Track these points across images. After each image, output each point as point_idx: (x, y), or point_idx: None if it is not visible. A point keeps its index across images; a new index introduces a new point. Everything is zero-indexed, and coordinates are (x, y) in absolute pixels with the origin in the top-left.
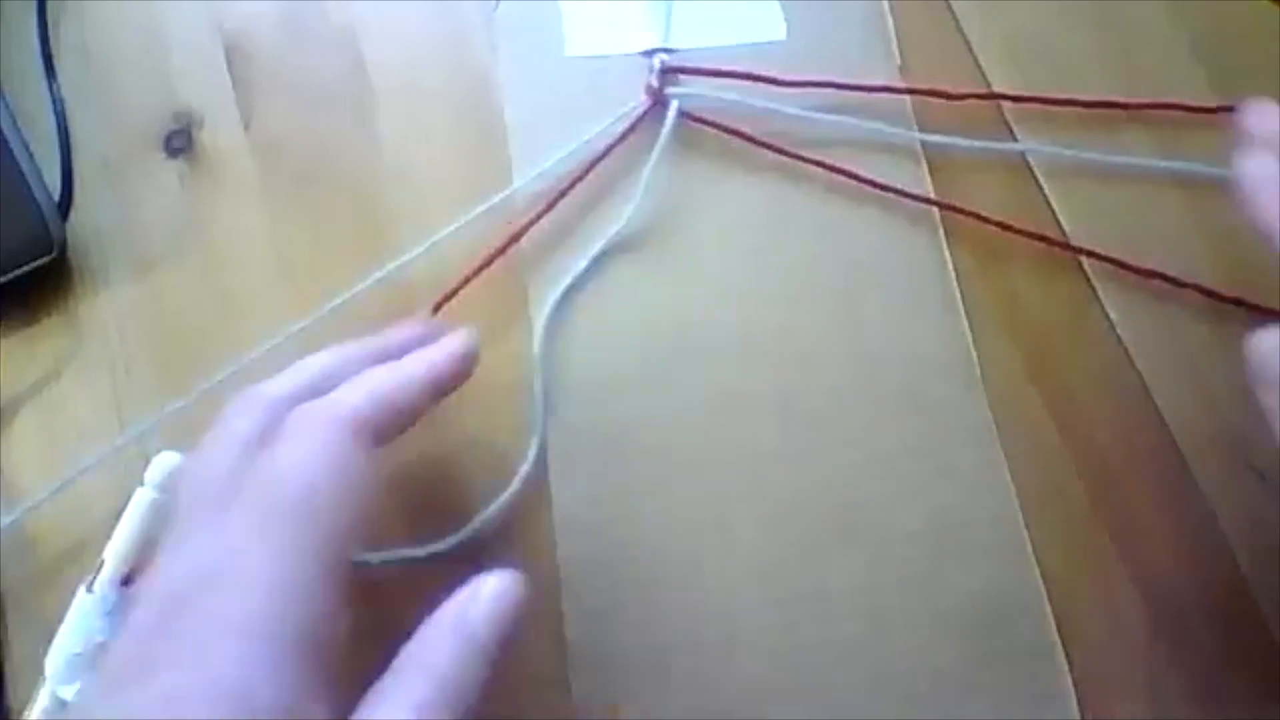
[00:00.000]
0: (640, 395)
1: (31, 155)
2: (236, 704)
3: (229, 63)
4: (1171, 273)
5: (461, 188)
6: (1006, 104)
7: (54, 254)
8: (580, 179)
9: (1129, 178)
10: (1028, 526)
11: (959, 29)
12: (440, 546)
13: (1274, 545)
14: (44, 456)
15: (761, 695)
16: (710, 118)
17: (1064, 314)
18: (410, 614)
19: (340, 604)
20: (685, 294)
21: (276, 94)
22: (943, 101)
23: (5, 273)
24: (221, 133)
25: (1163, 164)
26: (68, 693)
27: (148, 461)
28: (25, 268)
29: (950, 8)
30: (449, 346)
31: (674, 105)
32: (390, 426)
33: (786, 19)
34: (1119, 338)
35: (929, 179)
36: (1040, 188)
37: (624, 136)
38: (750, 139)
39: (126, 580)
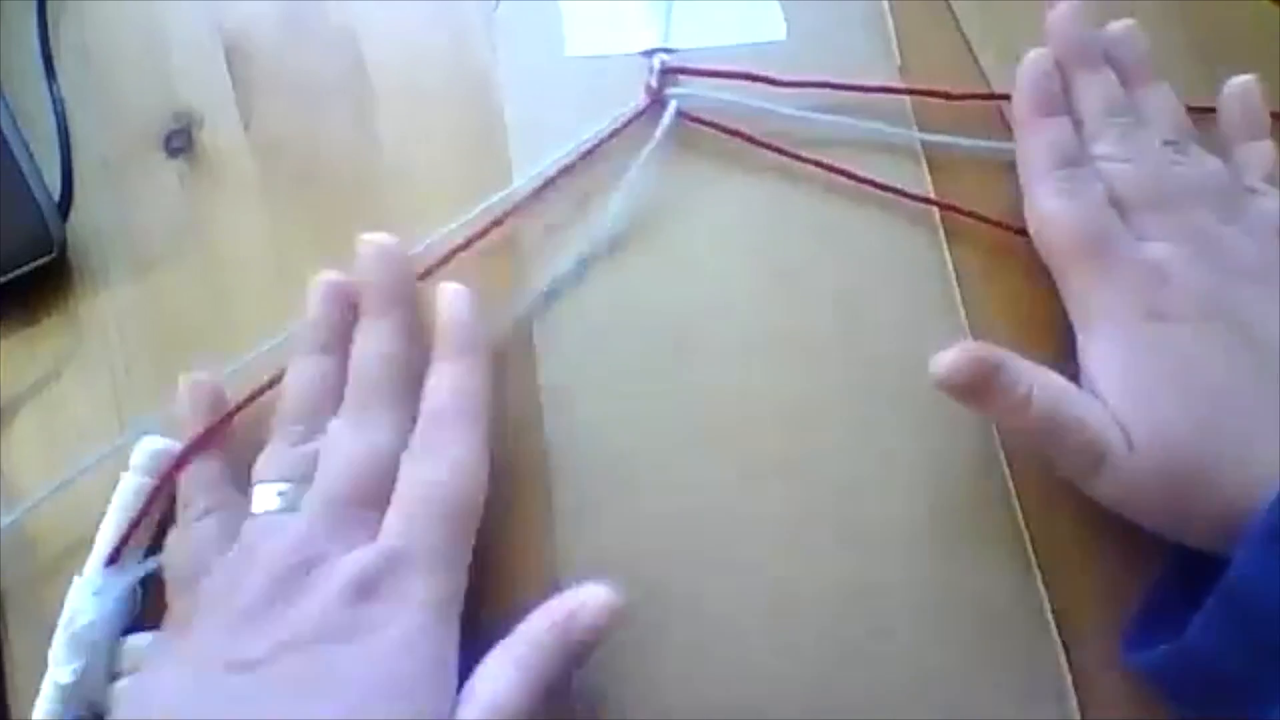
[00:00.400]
0: (639, 395)
1: (31, 155)
2: None
3: (229, 63)
4: None
5: (461, 188)
6: (1006, 103)
7: (54, 254)
8: (569, 169)
9: None
10: (1028, 527)
11: (959, 29)
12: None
13: None
14: (44, 456)
15: (761, 695)
16: (709, 118)
17: (1064, 314)
18: None
19: None
20: (684, 294)
21: (276, 94)
22: (943, 101)
23: (5, 273)
24: (221, 133)
25: None
26: (63, 675)
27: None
28: (25, 268)
29: (950, 8)
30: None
31: (672, 105)
32: None
33: (786, 19)
34: None
35: (929, 179)
36: None
37: (616, 133)
38: (749, 139)
39: (111, 560)
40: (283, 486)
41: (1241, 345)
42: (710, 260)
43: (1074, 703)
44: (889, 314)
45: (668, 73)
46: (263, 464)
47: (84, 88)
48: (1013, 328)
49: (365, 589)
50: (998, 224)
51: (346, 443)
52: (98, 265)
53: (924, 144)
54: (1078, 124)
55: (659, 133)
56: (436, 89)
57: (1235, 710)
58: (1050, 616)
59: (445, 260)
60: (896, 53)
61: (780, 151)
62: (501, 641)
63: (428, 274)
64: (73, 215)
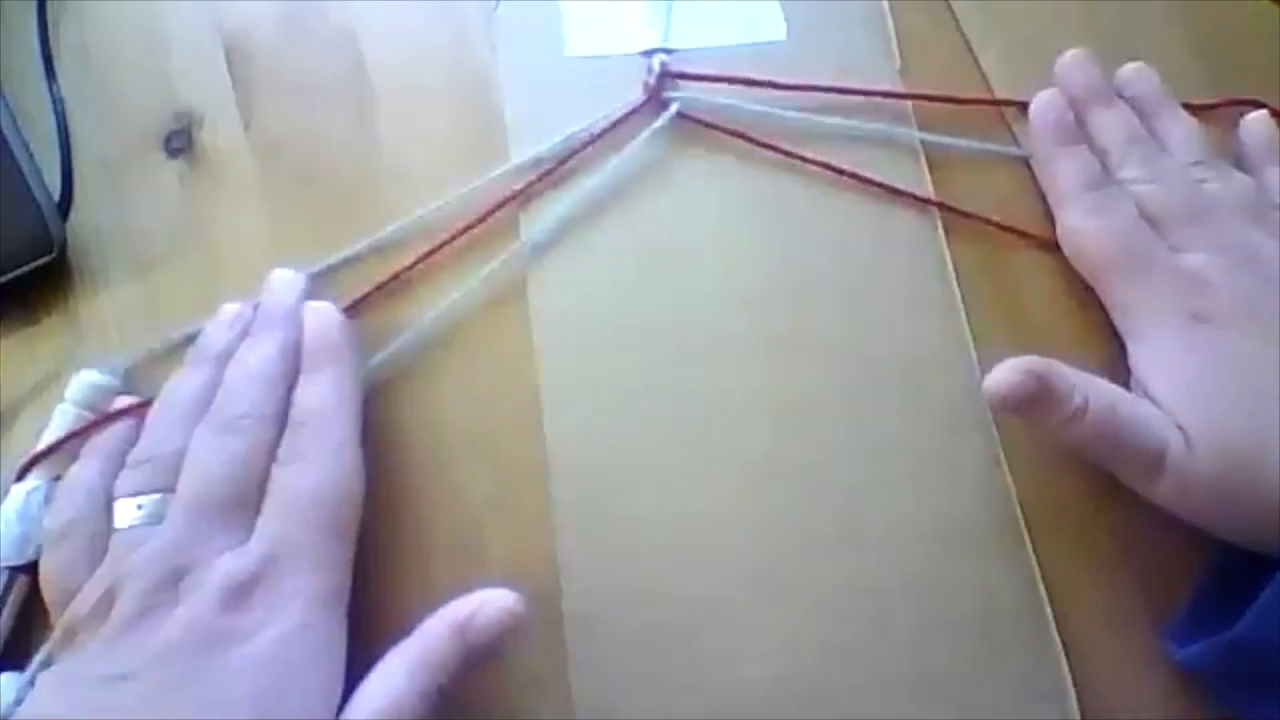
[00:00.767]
0: (638, 396)
1: (31, 155)
2: None
3: (229, 63)
4: None
5: (461, 187)
6: (1007, 107)
7: (54, 254)
8: (564, 162)
9: None
10: (1028, 526)
11: (959, 29)
12: None
13: None
14: None
15: (761, 695)
16: (708, 119)
17: (1064, 313)
18: None
19: None
20: (684, 293)
21: (276, 94)
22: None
23: (5, 273)
24: (221, 133)
25: None
26: None
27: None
28: (25, 268)
29: (950, 8)
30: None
31: (673, 108)
32: None
33: (786, 19)
34: (1120, 339)
35: (929, 178)
36: (1039, 185)
37: (614, 125)
38: (747, 138)
39: (20, 477)
40: (142, 500)
41: None
42: (710, 260)
43: (1074, 703)
44: (889, 314)
45: (666, 76)
46: (121, 480)
47: (84, 88)
48: (1013, 328)
49: (239, 594)
50: (997, 224)
51: (207, 448)
52: (98, 265)
53: (924, 144)
54: (1101, 155)
55: (657, 124)
56: (436, 89)
57: None
58: (1050, 616)
59: (439, 248)
60: (896, 53)
61: (778, 151)
62: (400, 642)
63: (425, 258)
64: (73, 215)
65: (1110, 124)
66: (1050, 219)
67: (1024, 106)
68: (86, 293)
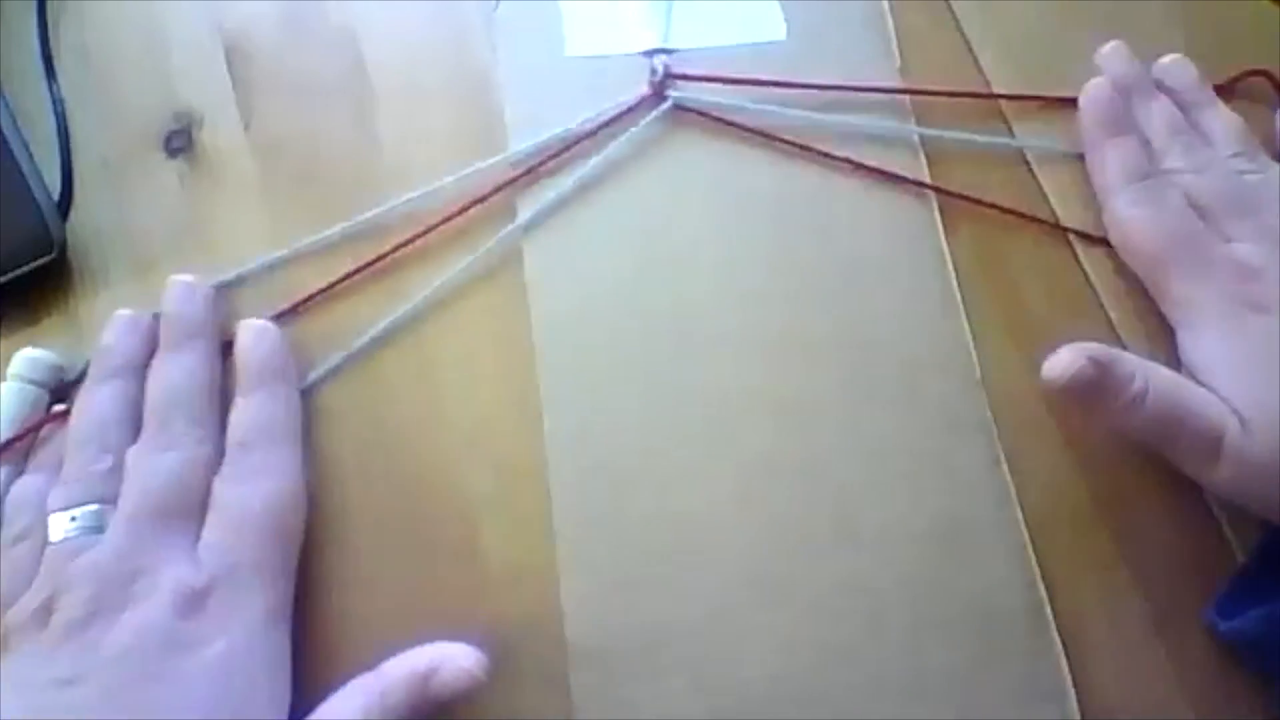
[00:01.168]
0: (637, 393)
1: (31, 155)
2: None
3: (229, 63)
4: None
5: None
6: (1005, 101)
7: (54, 254)
8: (560, 153)
9: None
10: (1028, 526)
11: (959, 29)
12: None
13: None
14: None
15: (761, 695)
16: (708, 114)
17: (1064, 313)
18: None
19: None
20: (683, 291)
21: (276, 94)
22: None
23: (5, 273)
24: (221, 133)
25: None
26: None
27: None
28: (25, 268)
29: (950, 8)
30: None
31: (670, 99)
32: None
33: (786, 19)
34: (1119, 337)
35: (927, 173)
36: (1038, 183)
37: (614, 120)
38: (746, 128)
39: None
40: (76, 512)
41: None
42: (708, 259)
43: (1074, 703)
44: (888, 312)
45: (668, 78)
46: (53, 495)
47: (84, 88)
48: (1012, 327)
49: (193, 602)
50: (991, 205)
51: (147, 459)
52: (98, 265)
53: (922, 139)
54: (1144, 147)
55: (653, 115)
56: (436, 89)
57: None
58: (1050, 616)
59: (426, 232)
60: (896, 53)
61: (777, 139)
62: (361, 676)
63: (419, 239)
64: (73, 215)
65: (1153, 115)
66: (1051, 214)
67: (1021, 100)
68: (86, 293)
